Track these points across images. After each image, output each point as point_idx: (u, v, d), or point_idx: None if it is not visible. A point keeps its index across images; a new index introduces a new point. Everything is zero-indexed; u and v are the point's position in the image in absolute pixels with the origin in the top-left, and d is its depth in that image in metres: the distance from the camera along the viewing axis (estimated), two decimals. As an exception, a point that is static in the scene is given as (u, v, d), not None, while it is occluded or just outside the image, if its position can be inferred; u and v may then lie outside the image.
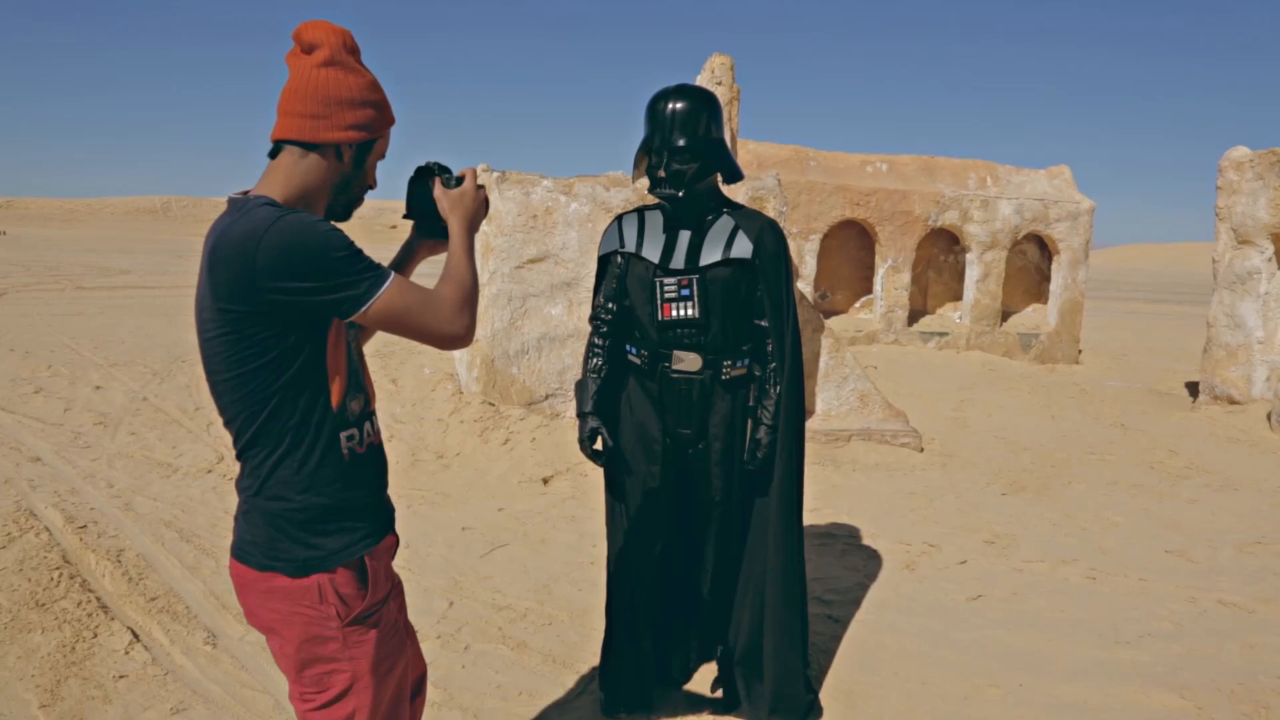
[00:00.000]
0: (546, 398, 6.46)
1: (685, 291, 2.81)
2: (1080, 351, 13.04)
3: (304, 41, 1.69)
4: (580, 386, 2.93)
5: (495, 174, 6.43)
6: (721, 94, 6.73)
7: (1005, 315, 13.09)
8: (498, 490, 5.49)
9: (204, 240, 1.65)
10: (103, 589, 3.78)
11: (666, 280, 2.82)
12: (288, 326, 1.59)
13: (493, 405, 6.39)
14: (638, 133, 2.86)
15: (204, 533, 4.50)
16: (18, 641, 3.25)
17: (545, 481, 5.65)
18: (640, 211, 2.97)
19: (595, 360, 2.95)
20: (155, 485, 5.25)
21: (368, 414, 1.80)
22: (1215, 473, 6.68)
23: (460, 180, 1.86)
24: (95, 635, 3.34)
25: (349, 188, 1.77)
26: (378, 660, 1.75)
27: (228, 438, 6.22)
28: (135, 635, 3.38)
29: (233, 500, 5.02)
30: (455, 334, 1.69)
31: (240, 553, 1.71)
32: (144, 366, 8.81)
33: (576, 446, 6.00)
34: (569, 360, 6.43)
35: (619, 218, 2.99)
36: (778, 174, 6.81)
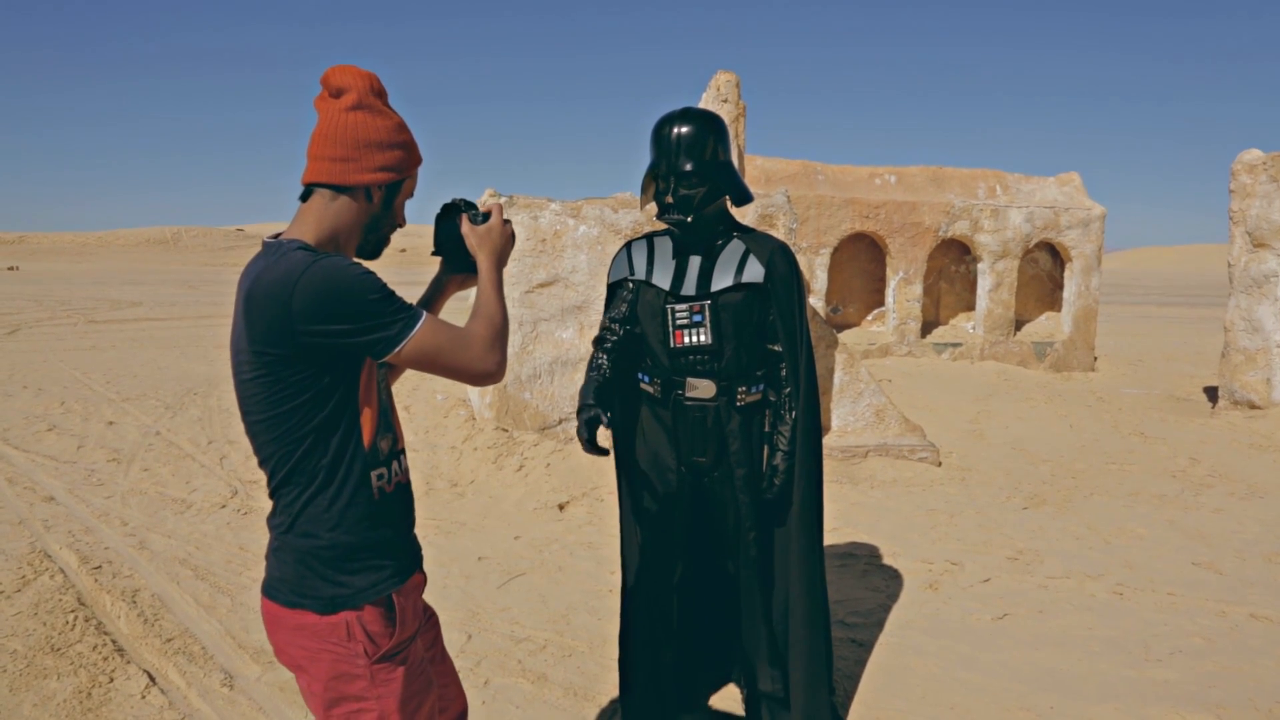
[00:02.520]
0: (560, 422, 6.42)
1: (698, 317, 2.77)
2: (1095, 359, 12.95)
3: (332, 86, 1.72)
4: (581, 389, 2.85)
5: (503, 198, 6.42)
6: (728, 111, 6.71)
7: (1019, 324, 13.01)
8: (513, 518, 5.45)
9: (238, 283, 1.68)
10: (118, 631, 3.75)
11: (678, 307, 2.78)
12: (322, 368, 1.62)
13: (506, 431, 6.36)
14: (642, 151, 2.83)
15: (219, 570, 4.47)
16: (33, 688, 3.22)
17: (561, 508, 5.60)
18: (649, 238, 2.93)
19: (598, 367, 2.87)
20: (169, 522, 5.23)
21: (396, 453, 1.81)
22: (1239, 480, 6.58)
23: (487, 216, 1.90)
24: (111, 680, 3.30)
25: (379, 227, 1.80)
26: (405, 699, 1.73)
27: (242, 471, 6.23)
28: (151, 678, 3.34)
29: (247, 535, 5.00)
30: (487, 371, 1.72)
31: (270, 590, 1.71)
32: (156, 400, 8.81)
33: (592, 472, 5.97)
34: (581, 384, 6.39)
35: (628, 245, 2.96)
36: (787, 191, 6.78)
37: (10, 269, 44.43)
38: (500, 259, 1.88)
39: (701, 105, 6.62)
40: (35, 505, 5.45)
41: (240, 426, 7.75)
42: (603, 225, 6.44)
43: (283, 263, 1.59)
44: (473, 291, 1.88)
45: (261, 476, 6.19)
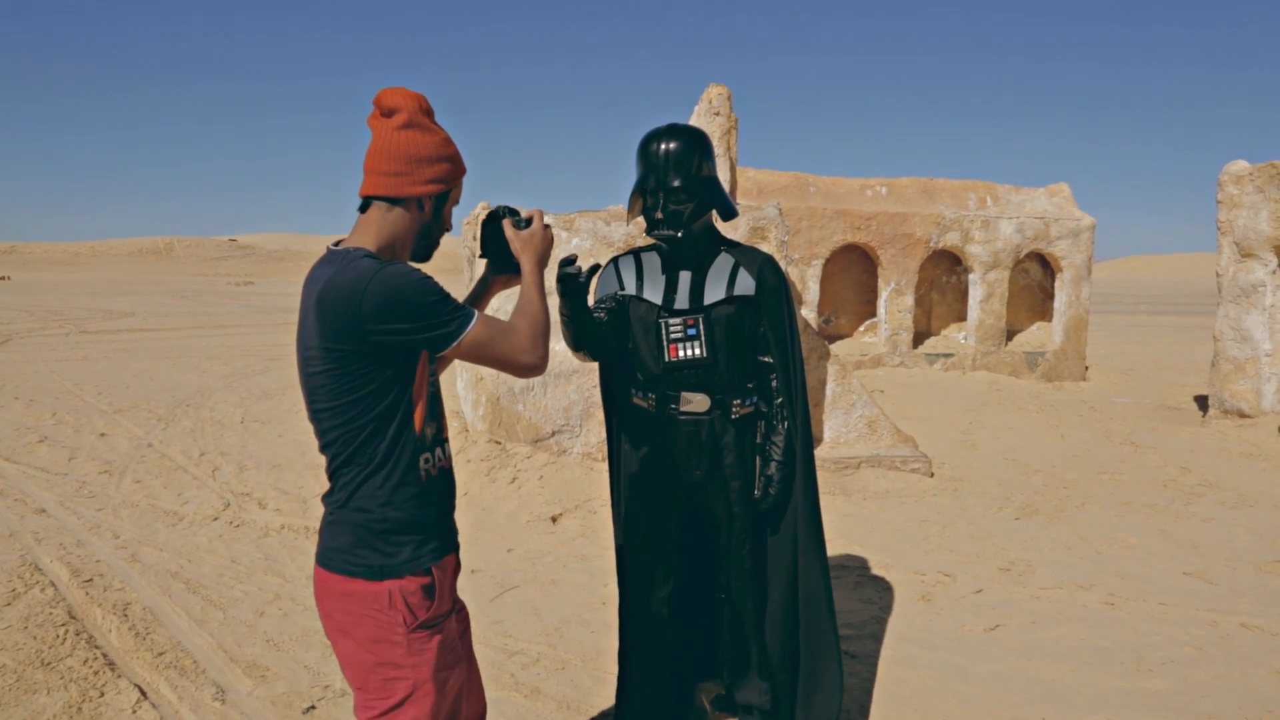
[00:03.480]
0: (553, 434, 6.42)
1: (692, 331, 2.78)
2: (1087, 368, 12.99)
3: (384, 106, 1.89)
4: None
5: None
6: (719, 124, 6.74)
7: (1010, 334, 13.06)
8: (506, 530, 5.44)
9: (305, 287, 1.87)
10: (109, 645, 3.73)
11: (672, 321, 2.79)
12: (385, 363, 1.80)
13: (499, 443, 6.35)
14: (633, 163, 2.83)
15: (211, 583, 4.46)
16: (23, 703, 3.20)
17: (554, 520, 5.60)
18: (635, 253, 2.94)
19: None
20: (161, 534, 5.21)
21: (441, 440, 1.99)
22: (1229, 489, 6.61)
23: (529, 222, 2.10)
24: (102, 694, 3.29)
25: (430, 234, 1.99)
26: (437, 669, 1.89)
27: (234, 484, 6.22)
28: (143, 693, 3.33)
29: (239, 547, 4.99)
30: (532, 364, 1.93)
31: (324, 559, 1.88)
32: (148, 412, 8.79)
33: (585, 484, 5.97)
34: (574, 396, 6.39)
35: (614, 261, 2.95)
36: (778, 203, 6.80)
37: (2, 279, 44.30)
38: (542, 261, 2.09)
39: (693, 118, 6.65)
40: (26, 517, 5.43)
41: (232, 439, 7.74)
42: (595, 238, 6.45)
43: (352, 269, 1.77)
44: (514, 291, 2.09)
45: (253, 489, 6.18)
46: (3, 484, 6.19)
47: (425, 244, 1.99)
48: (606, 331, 2.84)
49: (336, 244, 1.90)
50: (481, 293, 2.25)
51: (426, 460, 1.92)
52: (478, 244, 2.24)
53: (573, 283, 2.58)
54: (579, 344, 2.78)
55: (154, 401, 9.36)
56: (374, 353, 1.79)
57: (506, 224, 2.09)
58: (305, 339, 1.83)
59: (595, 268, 2.49)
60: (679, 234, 2.73)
